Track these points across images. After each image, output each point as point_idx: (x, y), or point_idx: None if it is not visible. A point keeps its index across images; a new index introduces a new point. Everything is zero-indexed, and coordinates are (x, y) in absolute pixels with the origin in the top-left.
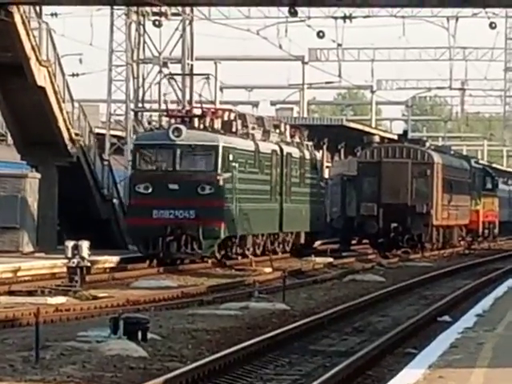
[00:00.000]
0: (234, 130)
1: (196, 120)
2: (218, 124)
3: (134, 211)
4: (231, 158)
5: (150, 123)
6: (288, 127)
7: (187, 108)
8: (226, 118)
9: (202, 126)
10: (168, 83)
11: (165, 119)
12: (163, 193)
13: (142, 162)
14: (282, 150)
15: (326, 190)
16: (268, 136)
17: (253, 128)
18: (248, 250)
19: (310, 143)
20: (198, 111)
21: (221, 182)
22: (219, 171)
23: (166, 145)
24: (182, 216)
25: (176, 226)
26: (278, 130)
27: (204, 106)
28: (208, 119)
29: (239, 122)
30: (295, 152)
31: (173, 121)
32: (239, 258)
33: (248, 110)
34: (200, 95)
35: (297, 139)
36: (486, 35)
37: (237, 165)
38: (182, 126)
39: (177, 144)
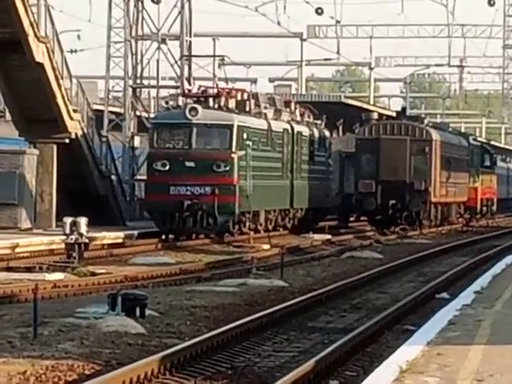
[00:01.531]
0: (247, 109)
1: (211, 100)
2: (232, 104)
3: (152, 188)
4: (245, 136)
5: (167, 103)
6: (298, 106)
7: (202, 88)
8: (239, 98)
9: (216, 106)
10: (186, 63)
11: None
12: (180, 170)
13: (160, 140)
14: (292, 128)
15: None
16: (279, 115)
17: (265, 107)
18: (261, 225)
19: (319, 121)
20: (212, 91)
21: (235, 160)
22: (234, 149)
23: (183, 124)
24: (198, 192)
25: (192, 202)
26: (288, 109)
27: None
28: (223, 99)
29: (252, 101)
30: (305, 130)
31: (189, 100)
32: (251, 233)
33: (246, 87)
34: (214, 76)
35: (306, 118)
36: (484, 12)
37: (250, 143)
38: (198, 106)
39: (193, 123)
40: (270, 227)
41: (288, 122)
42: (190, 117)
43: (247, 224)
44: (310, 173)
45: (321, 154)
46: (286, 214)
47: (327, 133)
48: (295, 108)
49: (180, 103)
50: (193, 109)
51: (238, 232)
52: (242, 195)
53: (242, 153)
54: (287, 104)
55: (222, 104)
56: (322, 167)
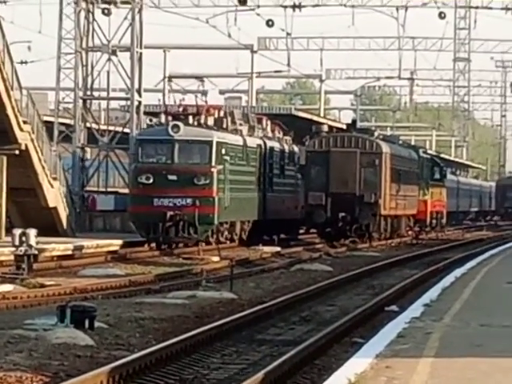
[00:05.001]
0: (224, 126)
1: (191, 117)
2: (211, 121)
3: (137, 200)
4: (223, 151)
5: (150, 120)
6: (269, 122)
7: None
8: (217, 116)
9: (196, 123)
10: (168, 85)
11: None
12: (163, 183)
13: (144, 155)
14: (265, 144)
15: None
16: (253, 131)
17: (240, 124)
18: (236, 235)
19: (289, 137)
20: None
21: (214, 174)
22: (213, 164)
23: (166, 140)
24: (179, 204)
25: (174, 213)
26: (260, 125)
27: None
28: (202, 117)
29: (229, 118)
30: (276, 146)
31: (170, 118)
32: (227, 242)
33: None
34: (196, 96)
35: (277, 133)
36: (435, 25)
37: (228, 158)
38: (180, 123)
39: (175, 139)
40: (244, 237)
41: (261, 137)
42: (172, 133)
43: (224, 234)
44: (281, 186)
45: (290, 168)
46: (259, 225)
47: (296, 148)
48: (267, 124)
49: (162, 120)
50: (175, 126)
51: (216, 241)
52: (220, 206)
53: (221, 167)
54: (260, 121)
55: (202, 121)
56: (291, 180)
